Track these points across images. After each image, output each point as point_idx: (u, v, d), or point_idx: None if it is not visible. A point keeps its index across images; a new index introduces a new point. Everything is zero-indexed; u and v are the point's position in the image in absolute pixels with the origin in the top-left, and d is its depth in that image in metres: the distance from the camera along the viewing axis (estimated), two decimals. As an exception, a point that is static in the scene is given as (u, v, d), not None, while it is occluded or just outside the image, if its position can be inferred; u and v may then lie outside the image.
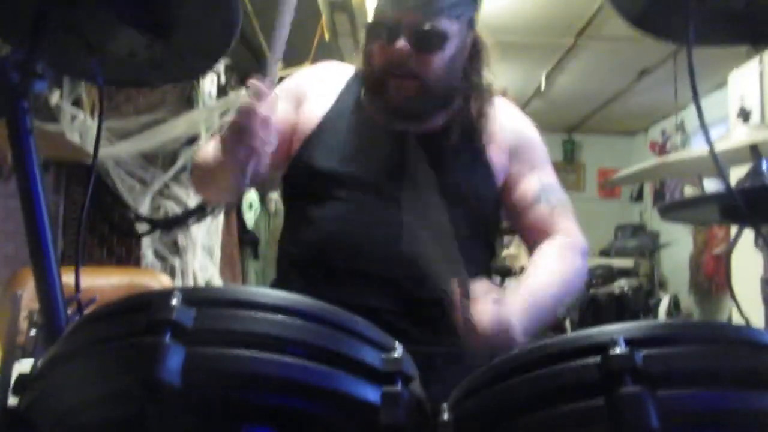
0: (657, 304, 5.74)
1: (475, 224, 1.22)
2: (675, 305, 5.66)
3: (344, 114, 1.24)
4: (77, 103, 2.93)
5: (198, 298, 0.53)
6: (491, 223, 1.29)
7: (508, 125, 1.29)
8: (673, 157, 2.43)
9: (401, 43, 1.13)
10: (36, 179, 0.75)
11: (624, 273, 5.81)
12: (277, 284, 1.25)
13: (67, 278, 0.78)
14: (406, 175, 1.19)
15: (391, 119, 1.21)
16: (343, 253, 1.14)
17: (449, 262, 0.97)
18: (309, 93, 1.27)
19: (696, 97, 0.81)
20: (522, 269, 5.23)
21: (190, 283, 3.35)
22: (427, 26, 1.13)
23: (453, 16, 1.15)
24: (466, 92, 1.24)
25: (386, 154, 1.20)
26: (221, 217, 3.76)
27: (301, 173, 1.22)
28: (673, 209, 1.20)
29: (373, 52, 1.18)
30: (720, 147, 1.55)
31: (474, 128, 1.25)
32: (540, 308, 1.06)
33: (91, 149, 0.87)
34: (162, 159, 3.36)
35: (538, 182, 1.26)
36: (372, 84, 1.21)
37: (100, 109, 0.94)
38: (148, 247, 3.33)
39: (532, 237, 1.25)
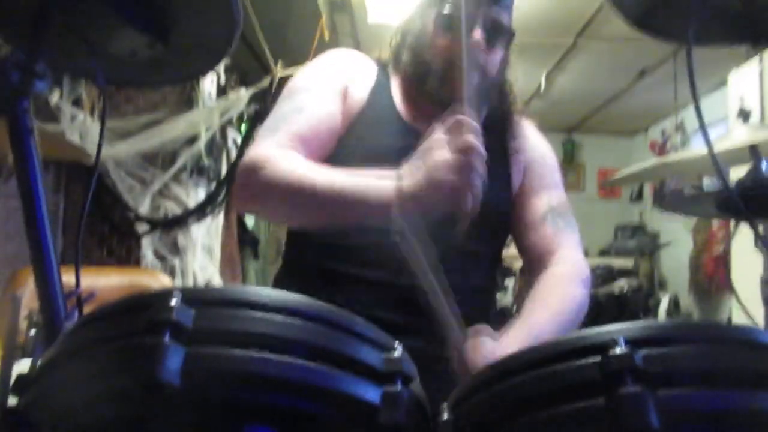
0: (657, 304, 5.74)
1: (488, 233, 1.21)
2: (675, 305, 5.66)
3: (377, 113, 1.20)
4: (77, 103, 2.93)
5: (198, 298, 0.53)
6: (503, 232, 1.27)
7: (526, 140, 1.28)
8: (673, 157, 2.43)
9: (478, 34, 1.13)
10: (37, 179, 0.75)
11: (624, 273, 5.80)
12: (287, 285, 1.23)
13: (68, 278, 0.78)
14: None
15: (437, 114, 1.18)
16: (362, 260, 1.12)
17: (460, 275, 0.96)
18: (350, 87, 1.21)
19: (696, 98, 0.80)
20: (522, 271, 5.25)
21: (190, 283, 3.36)
22: (499, 18, 1.15)
23: (511, 10, 1.17)
24: (498, 89, 1.24)
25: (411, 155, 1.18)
26: (221, 217, 3.76)
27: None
28: (672, 203, 1.21)
29: (439, 43, 1.16)
30: (720, 147, 1.55)
31: (501, 134, 1.24)
32: None
33: (91, 149, 0.87)
34: (162, 159, 3.37)
35: (546, 202, 1.23)
36: (428, 75, 1.17)
37: (102, 111, 0.93)
38: (148, 247, 3.34)
39: (533, 258, 1.22)
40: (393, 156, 1.16)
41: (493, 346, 0.92)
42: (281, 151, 1.07)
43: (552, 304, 1.11)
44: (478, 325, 0.94)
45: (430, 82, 1.17)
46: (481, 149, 0.90)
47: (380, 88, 1.23)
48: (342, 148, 1.16)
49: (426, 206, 0.93)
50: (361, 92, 1.21)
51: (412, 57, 1.21)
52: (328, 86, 1.18)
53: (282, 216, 1.16)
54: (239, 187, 1.09)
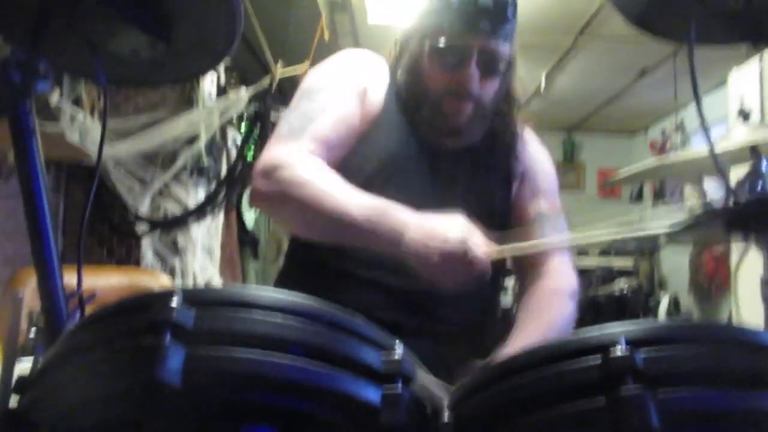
0: (657, 304, 5.73)
1: (493, 239, 1.22)
2: (675, 305, 5.66)
3: (392, 118, 1.20)
4: (77, 102, 2.93)
5: (198, 298, 0.53)
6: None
7: (525, 148, 1.29)
8: (673, 157, 2.43)
9: (472, 68, 1.12)
10: (39, 179, 0.75)
11: (624, 273, 5.81)
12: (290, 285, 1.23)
13: (69, 278, 0.78)
14: (438, 191, 1.17)
15: (436, 135, 1.19)
16: (365, 262, 1.12)
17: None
18: (368, 89, 1.21)
19: (697, 97, 0.81)
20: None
21: (190, 283, 3.35)
22: (495, 51, 1.13)
23: (511, 39, 1.15)
24: (501, 105, 1.24)
25: (422, 166, 1.18)
26: (221, 217, 3.76)
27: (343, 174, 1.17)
28: (678, 234, 1.20)
29: (433, 74, 1.15)
30: (720, 147, 1.55)
31: (505, 146, 1.25)
32: None
33: (91, 149, 0.87)
34: (162, 159, 3.36)
35: (539, 209, 1.25)
36: (423, 103, 1.18)
37: (104, 110, 0.93)
38: (148, 247, 3.33)
39: (523, 264, 1.23)
40: (409, 162, 1.17)
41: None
42: (303, 156, 1.08)
43: (542, 321, 1.14)
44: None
45: (424, 110, 1.18)
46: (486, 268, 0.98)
47: (394, 92, 1.23)
48: (359, 151, 1.16)
49: (424, 264, 0.98)
50: (378, 95, 1.21)
51: (408, 82, 1.20)
52: (347, 87, 1.18)
53: (292, 223, 1.16)
54: (256, 185, 1.09)
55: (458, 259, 0.95)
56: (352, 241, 1.04)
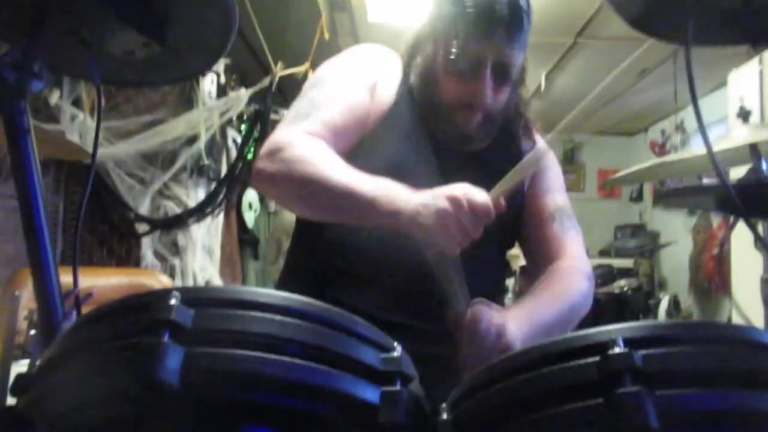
0: (657, 304, 5.73)
1: (499, 242, 1.22)
2: (675, 305, 5.66)
3: (397, 118, 1.19)
4: (77, 103, 2.93)
5: (197, 298, 0.53)
6: (512, 240, 1.29)
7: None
8: (672, 157, 2.43)
9: (487, 78, 1.11)
10: (34, 179, 0.75)
11: (624, 273, 5.80)
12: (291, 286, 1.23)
13: (66, 278, 0.77)
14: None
15: (446, 140, 1.18)
16: (368, 262, 1.12)
17: (470, 282, 0.97)
18: (378, 84, 1.20)
19: (694, 98, 0.80)
20: (522, 271, 5.23)
21: (190, 283, 3.35)
22: (509, 61, 1.12)
23: (525, 46, 1.14)
24: (510, 111, 1.24)
25: (431, 164, 1.17)
26: (221, 217, 3.76)
27: None
28: (671, 196, 1.21)
29: (446, 82, 1.15)
30: (720, 147, 1.55)
31: (515, 149, 1.25)
32: (539, 325, 1.04)
33: (91, 149, 0.87)
34: (162, 159, 3.37)
35: (553, 203, 1.25)
36: (435, 112, 1.17)
37: (98, 109, 0.93)
38: (148, 247, 3.34)
39: (539, 256, 1.24)
40: (418, 160, 1.16)
41: (491, 314, 0.96)
42: (307, 137, 1.08)
43: (555, 291, 1.14)
44: (479, 298, 0.98)
45: (436, 118, 1.17)
46: (480, 229, 0.96)
47: (405, 88, 1.22)
48: (368, 146, 1.16)
49: (421, 234, 0.97)
50: (388, 90, 1.20)
51: (420, 88, 1.20)
52: (358, 80, 1.18)
53: (295, 201, 1.14)
54: (260, 166, 1.09)
55: (459, 209, 0.94)
56: (355, 216, 1.04)
